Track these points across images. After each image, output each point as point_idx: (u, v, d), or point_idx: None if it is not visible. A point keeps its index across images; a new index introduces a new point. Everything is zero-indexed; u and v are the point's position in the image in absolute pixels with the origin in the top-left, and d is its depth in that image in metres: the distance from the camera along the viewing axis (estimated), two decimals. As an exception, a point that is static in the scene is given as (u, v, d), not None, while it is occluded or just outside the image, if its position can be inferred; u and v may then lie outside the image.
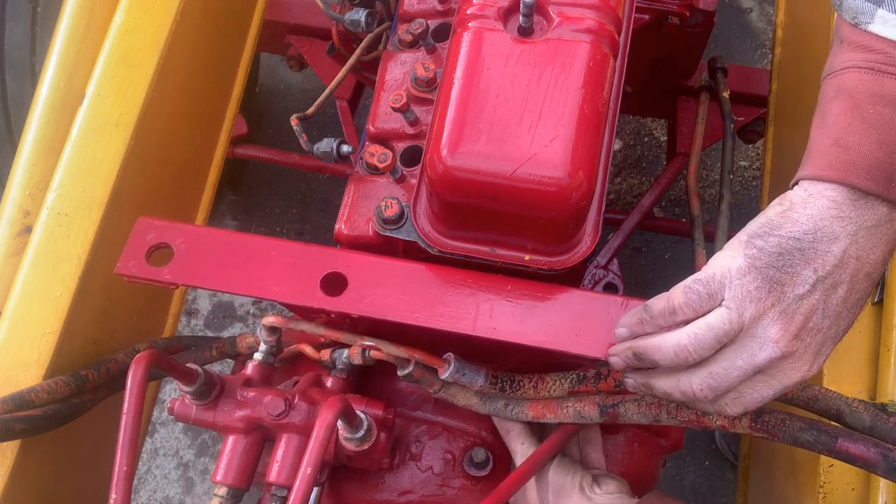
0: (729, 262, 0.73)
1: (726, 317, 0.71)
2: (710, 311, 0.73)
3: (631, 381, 0.82)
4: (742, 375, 0.72)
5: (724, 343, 0.72)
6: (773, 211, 0.74)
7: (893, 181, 0.70)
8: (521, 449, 1.00)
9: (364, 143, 1.05)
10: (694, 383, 0.74)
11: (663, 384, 0.77)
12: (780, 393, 0.74)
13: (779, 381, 0.73)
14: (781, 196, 0.75)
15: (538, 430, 1.04)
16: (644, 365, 0.77)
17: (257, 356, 1.01)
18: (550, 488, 0.98)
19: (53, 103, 1.11)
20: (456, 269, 0.88)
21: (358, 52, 1.16)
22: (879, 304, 1.04)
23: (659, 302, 0.76)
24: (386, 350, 0.93)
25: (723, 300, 0.72)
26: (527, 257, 0.88)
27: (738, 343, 0.72)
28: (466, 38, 0.85)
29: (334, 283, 0.88)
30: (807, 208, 0.71)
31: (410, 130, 1.02)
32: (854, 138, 0.71)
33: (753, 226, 0.74)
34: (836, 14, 0.75)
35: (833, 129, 0.72)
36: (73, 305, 1.01)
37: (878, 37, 0.71)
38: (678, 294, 0.74)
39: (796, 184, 0.74)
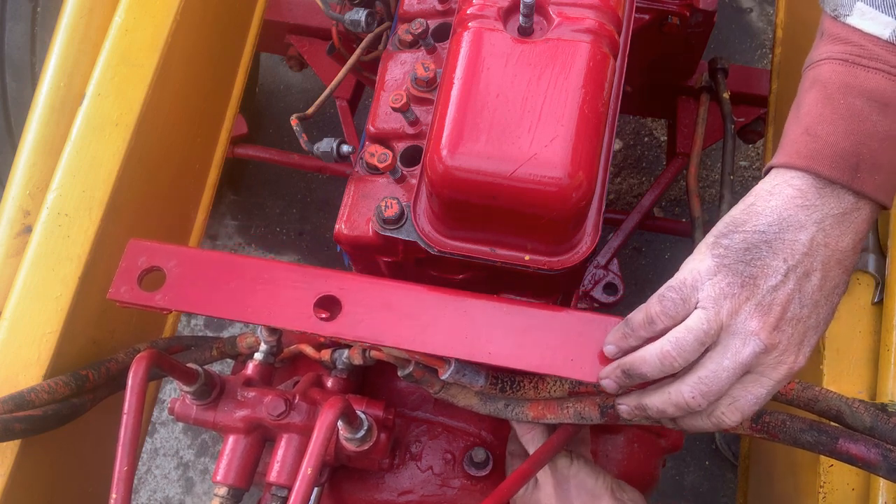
0: (698, 265, 0.74)
1: (703, 316, 0.72)
2: (687, 316, 0.73)
3: (624, 406, 0.82)
4: (731, 376, 0.72)
5: (706, 344, 0.72)
6: (737, 209, 0.74)
7: (859, 171, 0.70)
8: None
9: (364, 143, 1.05)
10: (685, 392, 0.73)
11: (655, 401, 0.77)
12: (773, 391, 0.74)
13: (768, 376, 0.73)
14: (748, 192, 0.75)
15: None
16: (634, 381, 0.77)
17: (258, 356, 1.01)
18: (577, 490, 0.95)
19: (53, 103, 1.11)
20: (452, 291, 0.87)
21: (358, 52, 1.16)
22: (879, 304, 1.04)
23: (638, 314, 0.77)
24: (386, 350, 0.93)
25: (697, 302, 0.73)
26: (527, 257, 0.88)
27: (722, 343, 0.72)
28: (466, 38, 0.85)
29: (329, 307, 0.86)
30: (770, 200, 0.72)
31: (410, 130, 1.02)
32: (823, 127, 0.71)
33: (719, 226, 0.74)
34: None
35: (804, 119, 0.73)
36: (73, 305, 1.01)
37: (854, 29, 0.72)
38: (654, 304, 0.75)
39: (768, 171, 0.75)
